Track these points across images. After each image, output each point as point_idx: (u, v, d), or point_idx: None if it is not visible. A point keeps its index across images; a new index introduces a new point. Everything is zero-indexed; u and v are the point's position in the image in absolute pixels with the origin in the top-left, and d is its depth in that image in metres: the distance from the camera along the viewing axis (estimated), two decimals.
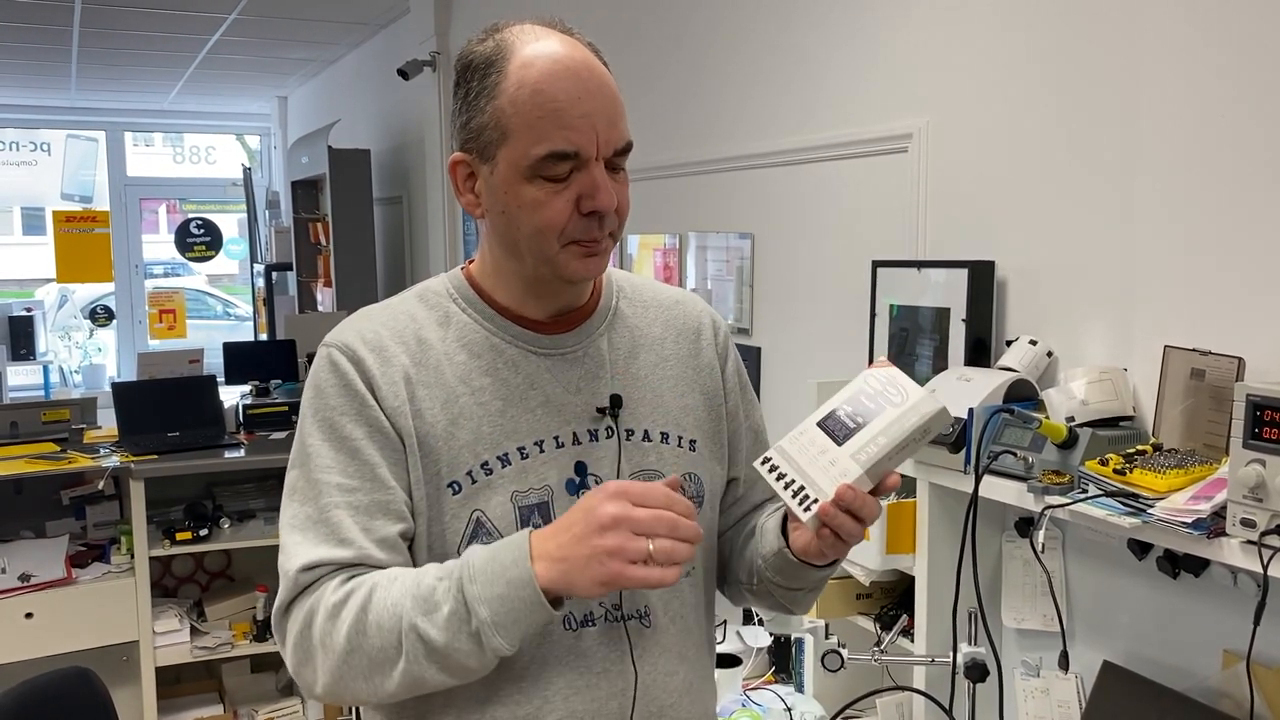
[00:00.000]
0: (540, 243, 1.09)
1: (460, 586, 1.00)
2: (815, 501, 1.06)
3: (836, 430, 1.10)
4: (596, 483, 1.14)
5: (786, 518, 1.17)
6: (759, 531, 1.24)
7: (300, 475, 1.11)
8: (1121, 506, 1.46)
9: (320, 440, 1.10)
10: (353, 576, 1.06)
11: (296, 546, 1.08)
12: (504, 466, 1.12)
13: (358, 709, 2.39)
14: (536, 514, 1.12)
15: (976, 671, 1.79)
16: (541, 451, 1.13)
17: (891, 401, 1.10)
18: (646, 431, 1.19)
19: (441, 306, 1.17)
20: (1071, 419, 1.64)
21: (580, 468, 1.15)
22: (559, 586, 0.99)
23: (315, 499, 1.09)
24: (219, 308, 11.09)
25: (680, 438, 1.21)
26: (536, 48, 1.08)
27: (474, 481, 1.11)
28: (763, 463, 1.12)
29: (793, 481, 1.08)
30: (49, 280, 9.06)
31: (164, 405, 3.96)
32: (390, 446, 1.10)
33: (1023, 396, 1.78)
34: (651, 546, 0.97)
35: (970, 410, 1.72)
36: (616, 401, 1.17)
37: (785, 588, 1.21)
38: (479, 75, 1.09)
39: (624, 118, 1.10)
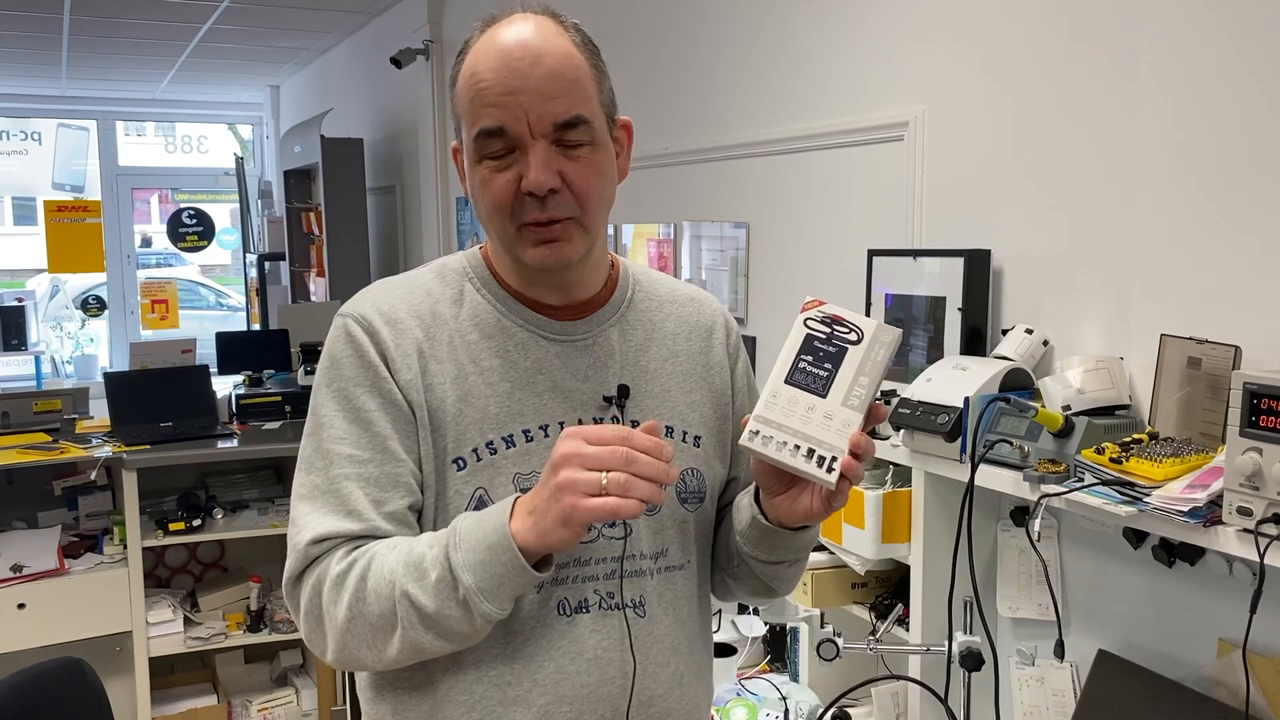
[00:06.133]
0: (496, 224, 1.10)
1: (446, 554, 1.02)
2: (834, 459, 1.04)
3: (810, 384, 1.07)
4: None
5: (759, 490, 1.15)
6: (734, 509, 1.24)
7: (312, 445, 1.12)
8: (1117, 495, 1.46)
9: (334, 411, 1.11)
10: (357, 547, 1.07)
11: (306, 518, 1.09)
12: (508, 448, 1.12)
13: (353, 693, 2.39)
14: None
15: (972, 660, 1.79)
16: (546, 436, 1.13)
17: (849, 340, 1.08)
18: None
19: (457, 284, 1.18)
20: (1068, 407, 1.64)
21: None
22: (533, 541, 0.99)
23: (326, 469, 1.10)
24: (211, 298, 11.04)
25: (685, 433, 1.21)
26: (489, 33, 1.10)
27: (479, 459, 1.11)
28: (751, 436, 1.06)
29: (799, 446, 1.04)
30: (40, 270, 9.01)
31: (156, 395, 3.96)
32: (403, 419, 1.11)
33: (1019, 385, 1.78)
34: (605, 480, 0.96)
35: (966, 399, 1.72)
36: (624, 391, 1.17)
37: (765, 561, 1.21)
38: (454, 66, 1.13)
39: (573, 93, 1.07)
